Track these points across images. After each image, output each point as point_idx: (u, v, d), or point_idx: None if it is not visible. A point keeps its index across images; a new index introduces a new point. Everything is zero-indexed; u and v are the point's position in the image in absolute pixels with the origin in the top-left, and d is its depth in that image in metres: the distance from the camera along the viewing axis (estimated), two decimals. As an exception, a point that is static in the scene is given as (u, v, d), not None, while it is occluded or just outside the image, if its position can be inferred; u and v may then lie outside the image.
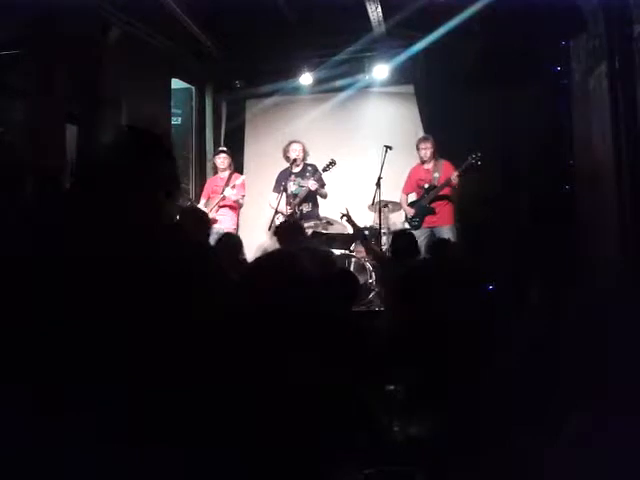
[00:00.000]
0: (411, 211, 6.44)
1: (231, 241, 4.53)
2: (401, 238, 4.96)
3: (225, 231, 5.66)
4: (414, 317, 2.71)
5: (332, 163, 6.29)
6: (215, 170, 7.04)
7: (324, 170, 6.27)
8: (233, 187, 6.47)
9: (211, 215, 6.43)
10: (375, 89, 7.92)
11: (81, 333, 1.47)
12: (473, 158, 6.05)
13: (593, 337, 1.58)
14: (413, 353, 2.42)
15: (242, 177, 6.71)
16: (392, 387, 2.50)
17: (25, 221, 1.78)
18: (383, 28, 6.90)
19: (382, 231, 6.44)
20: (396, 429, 2.21)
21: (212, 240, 5.00)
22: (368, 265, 6.32)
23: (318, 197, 6.45)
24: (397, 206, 6.86)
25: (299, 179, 6.38)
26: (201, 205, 6.76)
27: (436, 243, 4.92)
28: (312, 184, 6.21)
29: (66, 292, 1.50)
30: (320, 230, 6.39)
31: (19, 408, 1.42)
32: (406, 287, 3.00)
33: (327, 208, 6.79)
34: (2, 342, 1.49)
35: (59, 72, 5.48)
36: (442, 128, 6.81)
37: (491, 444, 1.46)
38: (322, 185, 6.40)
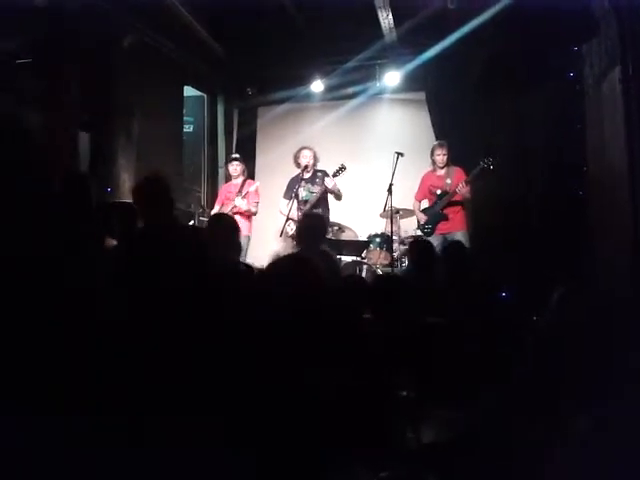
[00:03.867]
0: (424, 218, 6.42)
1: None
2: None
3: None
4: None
5: (342, 168, 6.27)
6: (228, 177, 7.04)
7: (334, 175, 6.25)
8: (244, 196, 6.43)
9: (224, 222, 6.43)
10: (386, 96, 7.94)
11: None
12: (485, 163, 6.02)
13: (607, 340, 1.56)
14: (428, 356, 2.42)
15: (256, 184, 6.64)
16: (405, 393, 2.48)
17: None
18: (394, 35, 6.91)
19: (394, 238, 6.42)
20: (410, 434, 2.19)
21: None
22: (379, 272, 6.30)
23: (329, 202, 6.42)
24: (409, 213, 6.84)
25: (309, 185, 6.38)
26: (214, 212, 6.77)
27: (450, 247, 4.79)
28: (328, 181, 6.16)
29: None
30: (331, 236, 6.37)
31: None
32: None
33: (338, 214, 6.78)
34: None
35: (73, 79, 5.53)
36: (454, 134, 6.80)
37: (505, 448, 1.45)
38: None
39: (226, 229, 3.78)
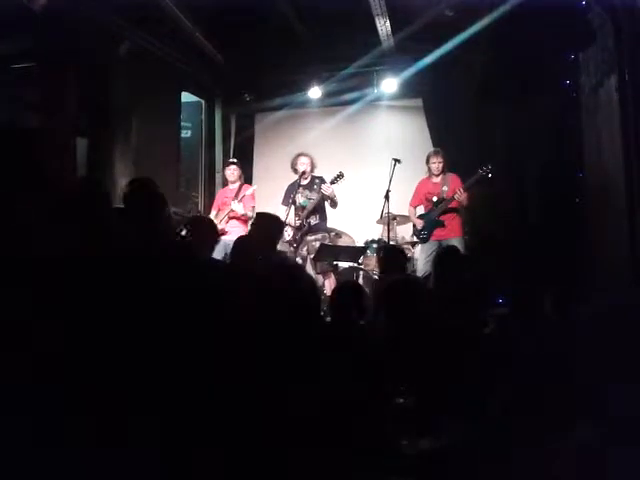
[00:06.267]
0: (420, 224, 6.43)
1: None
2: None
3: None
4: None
5: (340, 176, 6.27)
6: (225, 182, 7.06)
7: (332, 182, 6.25)
8: (240, 200, 6.46)
9: (221, 226, 6.44)
10: (384, 102, 7.96)
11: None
12: (483, 170, 6.02)
13: (606, 348, 1.57)
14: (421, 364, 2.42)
15: (252, 188, 6.68)
16: (401, 400, 2.48)
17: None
18: (392, 42, 6.93)
19: (391, 243, 6.43)
20: (405, 442, 2.19)
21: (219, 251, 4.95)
22: (376, 278, 6.30)
23: (326, 209, 6.43)
24: (405, 219, 6.85)
25: (307, 191, 6.39)
26: (211, 216, 6.78)
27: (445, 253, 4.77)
28: (326, 187, 6.14)
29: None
30: (328, 243, 6.38)
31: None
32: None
33: (335, 220, 6.78)
34: None
35: (70, 85, 5.53)
36: (451, 141, 6.82)
37: (500, 457, 1.46)
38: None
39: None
